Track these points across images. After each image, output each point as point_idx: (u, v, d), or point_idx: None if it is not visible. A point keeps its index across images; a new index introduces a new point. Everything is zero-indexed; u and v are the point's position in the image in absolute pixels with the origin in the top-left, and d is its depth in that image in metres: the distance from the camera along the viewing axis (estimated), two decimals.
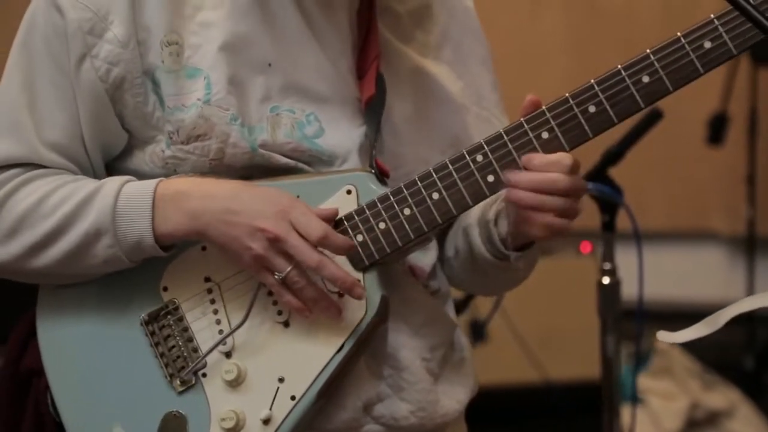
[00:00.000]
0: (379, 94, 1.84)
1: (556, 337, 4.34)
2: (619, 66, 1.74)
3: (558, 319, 4.34)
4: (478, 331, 4.22)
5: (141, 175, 1.81)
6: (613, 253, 2.73)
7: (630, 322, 2.78)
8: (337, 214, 1.76)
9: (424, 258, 1.90)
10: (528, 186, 1.72)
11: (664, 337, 1.56)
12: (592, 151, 2.74)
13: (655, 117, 2.70)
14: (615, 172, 2.70)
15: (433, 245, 1.92)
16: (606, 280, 2.73)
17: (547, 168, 1.72)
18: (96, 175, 1.82)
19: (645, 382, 4.49)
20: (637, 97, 1.73)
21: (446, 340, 1.92)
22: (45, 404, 1.85)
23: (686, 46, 1.72)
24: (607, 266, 2.73)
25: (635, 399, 4.14)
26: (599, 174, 2.68)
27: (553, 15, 5.78)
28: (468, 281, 1.95)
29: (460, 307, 3.13)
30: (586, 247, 4.35)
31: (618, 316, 2.72)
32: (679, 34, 1.73)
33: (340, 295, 1.76)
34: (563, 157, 1.73)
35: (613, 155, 2.69)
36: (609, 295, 2.72)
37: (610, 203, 2.69)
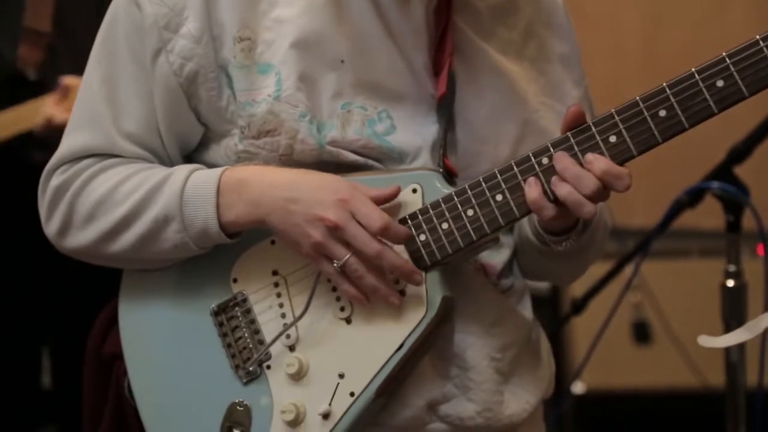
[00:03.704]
0: (450, 92, 1.82)
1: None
2: (693, 69, 1.68)
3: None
4: (642, 332, 4.13)
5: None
6: (738, 256, 2.64)
7: None
8: (397, 193, 1.75)
9: (497, 256, 1.88)
10: (584, 190, 1.69)
11: (706, 341, 1.51)
12: (717, 148, 2.68)
13: None
14: (741, 170, 2.61)
15: (507, 242, 1.90)
16: (731, 284, 2.64)
17: (608, 179, 1.68)
18: (172, 165, 1.86)
19: None
20: (711, 102, 1.67)
21: (519, 339, 1.89)
22: (123, 388, 1.90)
23: (765, 49, 1.65)
24: (732, 269, 2.64)
25: None
26: (724, 172, 2.60)
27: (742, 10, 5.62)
28: (530, 271, 1.93)
29: (579, 308, 3.09)
30: (761, 249, 4.22)
31: (744, 321, 2.63)
32: (758, 36, 1.66)
33: (402, 293, 1.76)
34: (626, 176, 1.69)
35: (739, 153, 2.60)
36: (734, 300, 2.63)
37: (735, 203, 2.60)
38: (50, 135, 3.06)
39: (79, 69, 3.05)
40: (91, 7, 3.16)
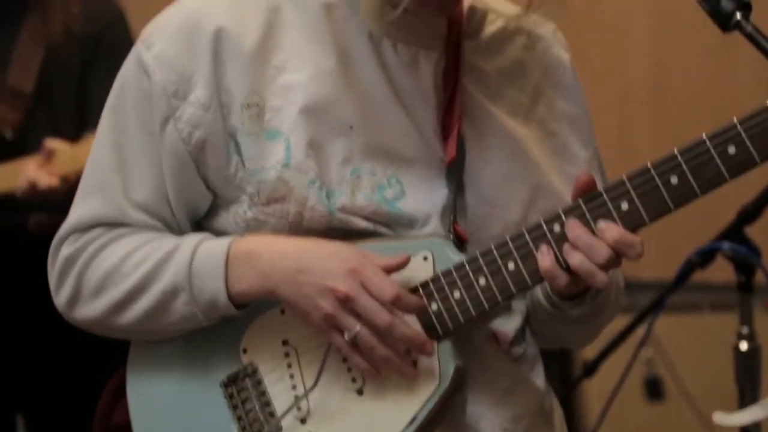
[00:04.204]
0: (460, 156, 1.81)
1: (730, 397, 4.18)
2: (704, 136, 1.67)
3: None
4: (654, 389, 4.08)
5: (226, 235, 1.81)
6: (751, 316, 2.62)
7: None
8: (407, 261, 1.74)
9: (508, 323, 1.85)
10: (596, 259, 1.67)
11: (721, 419, 1.49)
12: (727, 208, 2.66)
13: None
14: (752, 230, 2.60)
15: (519, 308, 1.88)
16: (744, 346, 2.61)
17: (620, 247, 1.67)
18: (182, 233, 1.84)
19: None
20: (723, 169, 1.66)
21: (532, 408, 1.86)
22: None
23: None
24: (745, 331, 2.62)
25: None
26: (735, 233, 2.58)
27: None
28: (543, 336, 1.91)
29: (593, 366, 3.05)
30: None
31: (758, 383, 2.61)
32: None
33: (413, 364, 1.74)
34: (638, 244, 1.67)
35: (750, 213, 2.59)
36: (747, 363, 2.61)
37: (746, 264, 2.58)
38: (33, 198, 3.06)
39: (58, 133, 3.11)
40: (74, 73, 3.16)
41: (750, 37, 1.69)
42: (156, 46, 1.80)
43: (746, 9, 1.69)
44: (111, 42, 3.17)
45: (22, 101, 3.15)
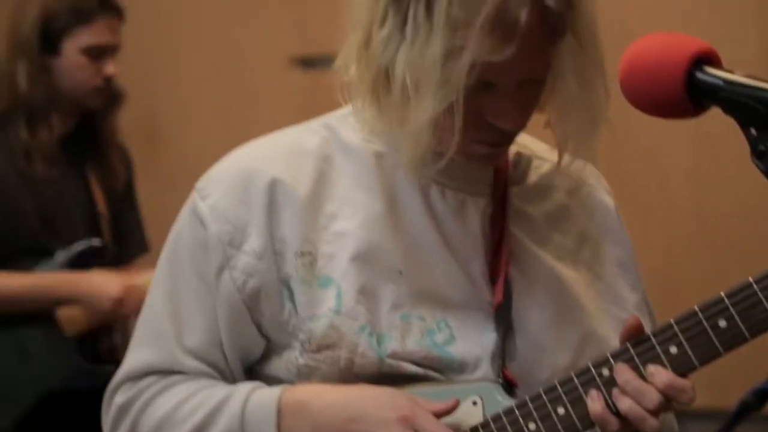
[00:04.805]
0: (507, 300, 1.83)
1: None
2: (751, 279, 1.68)
3: None
4: None
5: (278, 382, 1.84)
6: None
7: None
8: (456, 405, 1.75)
9: None
10: (646, 405, 1.68)
11: None
12: None
13: None
14: None
15: None
16: None
17: (671, 393, 1.68)
18: (234, 380, 1.87)
19: None
20: None
21: None
22: None
23: None
24: None
25: None
26: None
27: None
28: None
29: None
30: None
31: None
32: None
33: None
34: (689, 389, 1.69)
35: None
36: None
37: None
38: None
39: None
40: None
41: None
42: (211, 197, 1.84)
43: None
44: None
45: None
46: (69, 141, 3.45)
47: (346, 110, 1.89)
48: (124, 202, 3.58)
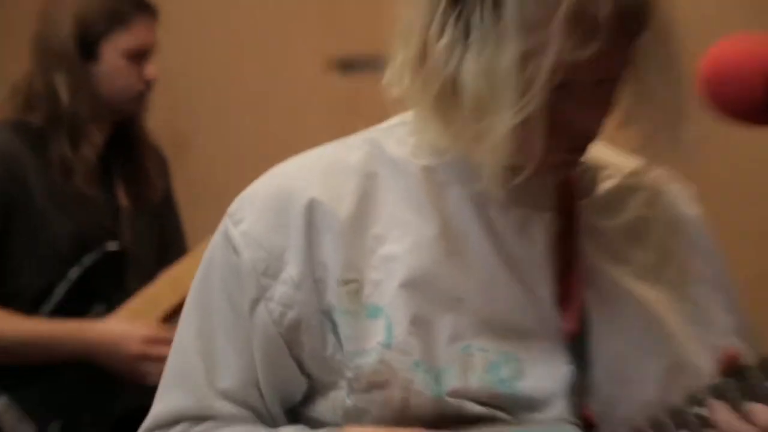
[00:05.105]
0: (582, 327, 1.65)
1: None
2: None
3: None
4: None
5: (323, 425, 1.66)
6: None
7: None
8: None
9: None
10: None
11: None
12: None
13: None
14: None
15: None
16: None
17: None
18: (275, 423, 1.69)
19: None
20: None
21: None
22: None
23: None
24: None
25: None
26: None
27: None
28: None
29: None
30: None
31: None
32: None
33: None
34: None
35: None
36: None
37: None
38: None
39: None
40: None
41: None
42: (244, 222, 1.67)
43: None
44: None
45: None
46: (102, 153, 3.27)
47: (391, 122, 1.73)
48: (164, 209, 3.39)
